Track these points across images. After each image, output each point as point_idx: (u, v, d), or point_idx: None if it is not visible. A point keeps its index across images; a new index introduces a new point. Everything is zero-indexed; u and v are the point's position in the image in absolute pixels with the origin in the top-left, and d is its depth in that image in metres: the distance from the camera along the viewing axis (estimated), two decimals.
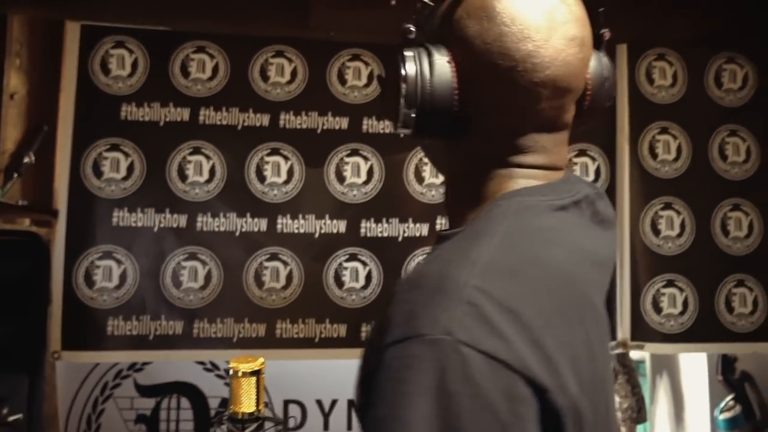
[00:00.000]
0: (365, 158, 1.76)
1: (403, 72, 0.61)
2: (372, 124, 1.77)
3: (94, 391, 2.11)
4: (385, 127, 1.76)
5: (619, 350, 1.80)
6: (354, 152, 1.76)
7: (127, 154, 1.69)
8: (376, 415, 0.49)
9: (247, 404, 0.85)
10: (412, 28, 0.63)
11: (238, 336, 1.69)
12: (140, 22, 1.71)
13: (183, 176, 1.71)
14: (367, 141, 1.76)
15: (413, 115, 0.62)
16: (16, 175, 2.10)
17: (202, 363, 2.21)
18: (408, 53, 0.62)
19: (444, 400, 0.47)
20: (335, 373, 2.10)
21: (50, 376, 1.92)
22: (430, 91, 0.61)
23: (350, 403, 2.19)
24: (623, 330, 1.79)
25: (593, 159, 1.81)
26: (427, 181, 1.78)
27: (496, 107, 0.62)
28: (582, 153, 1.81)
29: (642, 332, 1.80)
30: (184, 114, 1.71)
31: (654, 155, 1.82)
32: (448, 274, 0.52)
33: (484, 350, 0.48)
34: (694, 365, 2.85)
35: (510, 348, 0.49)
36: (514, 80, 0.60)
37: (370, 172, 1.76)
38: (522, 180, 0.63)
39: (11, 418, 1.38)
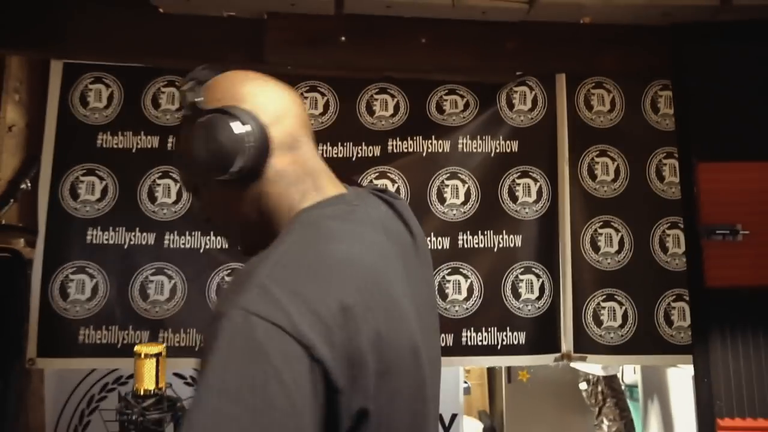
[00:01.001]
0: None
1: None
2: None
3: (80, 403, 2.22)
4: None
5: (564, 362, 1.87)
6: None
7: (102, 178, 1.85)
8: (202, 380, 0.64)
9: (148, 382, 0.97)
10: None
11: (200, 345, 1.81)
12: (117, 60, 1.89)
13: (152, 198, 1.86)
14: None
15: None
16: (12, 200, 2.29)
17: (182, 377, 2.32)
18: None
19: (235, 356, 0.62)
20: None
21: (38, 388, 2.05)
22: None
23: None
24: (566, 342, 1.87)
25: (535, 180, 1.93)
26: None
27: None
28: (525, 174, 1.93)
29: (584, 344, 1.87)
30: (154, 141, 1.87)
31: (593, 176, 1.92)
32: (250, 271, 0.69)
33: (266, 318, 0.63)
34: (685, 390, 2.89)
35: (288, 317, 0.64)
36: None
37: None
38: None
39: None
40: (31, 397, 1.92)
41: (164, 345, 1.04)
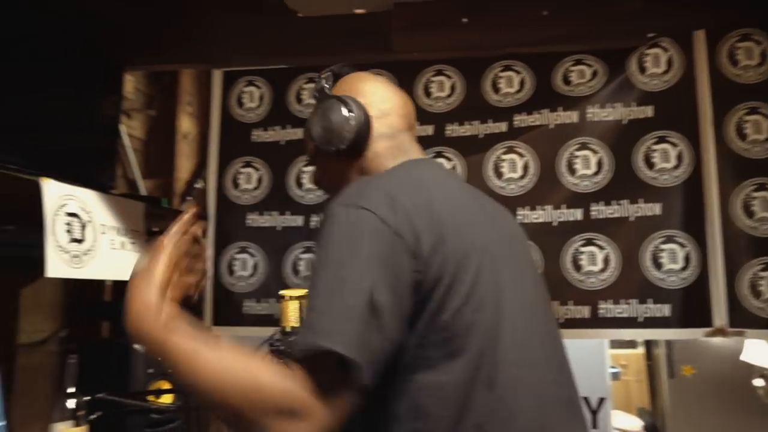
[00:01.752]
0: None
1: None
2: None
3: None
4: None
5: (718, 337, 1.74)
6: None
7: (257, 169, 2.10)
8: (315, 262, 0.85)
9: (293, 320, 1.12)
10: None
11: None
12: (265, 63, 2.14)
13: (299, 184, 2.07)
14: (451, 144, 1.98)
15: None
16: (189, 198, 2.66)
17: None
18: None
19: (341, 238, 0.83)
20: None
21: None
22: None
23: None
24: (720, 316, 1.74)
25: (674, 145, 1.82)
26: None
27: None
28: (662, 140, 1.83)
29: (742, 318, 1.73)
30: (299, 133, 2.08)
31: (743, 136, 1.77)
32: (350, 188, 0.92)
33: (360, 206, 0.84)
34: None
35: (375, 205, 0.84)
36: None
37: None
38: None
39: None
40: None
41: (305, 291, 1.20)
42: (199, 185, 2.61)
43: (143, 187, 2.42)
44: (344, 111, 1.01)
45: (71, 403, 1.58)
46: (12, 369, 1.79)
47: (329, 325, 0.76)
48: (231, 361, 0.78)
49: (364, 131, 1.02)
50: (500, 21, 1.86)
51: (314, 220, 2.05)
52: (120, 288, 2.07)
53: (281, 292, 1.13)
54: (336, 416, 0.75)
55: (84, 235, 1.49)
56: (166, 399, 1.77)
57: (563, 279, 1.83)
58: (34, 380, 1.88)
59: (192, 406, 1.47)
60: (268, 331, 2.12)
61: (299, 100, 2.11)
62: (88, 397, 1.30)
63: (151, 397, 1.64)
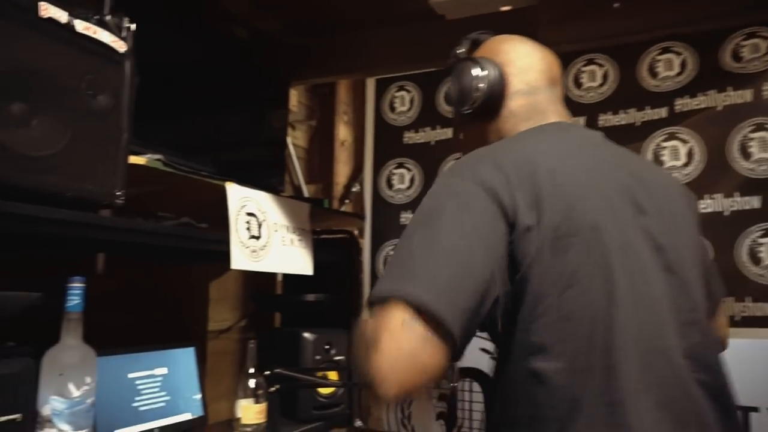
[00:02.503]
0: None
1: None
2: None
3: None
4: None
5: None
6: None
7: (409, 169, 2.20)
8: (414, 216, 0.88)
9: None
10: None
11: None
12: (414, 68, 2.23)
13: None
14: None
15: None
16: (347, 200, 2.84)
17: (488, 352, 2.53)
18: None
19: (432, 196, 0.87)
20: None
21: None
22: None
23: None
24: None
25: None
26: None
27: None
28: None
29: None
30: (448, 132, 2.15)
31: None
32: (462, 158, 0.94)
33: (461, 175, 0.86)
34: None
35: (477, 174, 0.84)
36: None
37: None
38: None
39: (336, 358, 1.94)
40: None
41: None
42: (355, 189, 2.78)
43: (306, 191, 2.64)
44: (474, 70, 1.01)
45: (252, 383, 1.78)
46: (203, 353, 2.05)
47: (411, 273, 0.78)
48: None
49: (497, 89, 1.01)
50: (656, 1, 1.77)
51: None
52: (288, 283, 2.29)
53: None
54: (409, 359, 0.75)
55: (260, 232, 1.67)
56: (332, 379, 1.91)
57: (738, 273, 1.68)
58: (221, 363, 2.13)
59: (356, 383, 1.58)
60: None
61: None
62: (268, 372, 1.46)
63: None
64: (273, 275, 2.36)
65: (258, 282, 2.30)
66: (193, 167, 1.47)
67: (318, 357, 1.90)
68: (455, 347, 0.77)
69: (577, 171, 0.90)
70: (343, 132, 2.88)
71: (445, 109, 2.17)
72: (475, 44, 1.12)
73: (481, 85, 1.00)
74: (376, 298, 0.79)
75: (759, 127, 1.71)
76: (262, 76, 1.96)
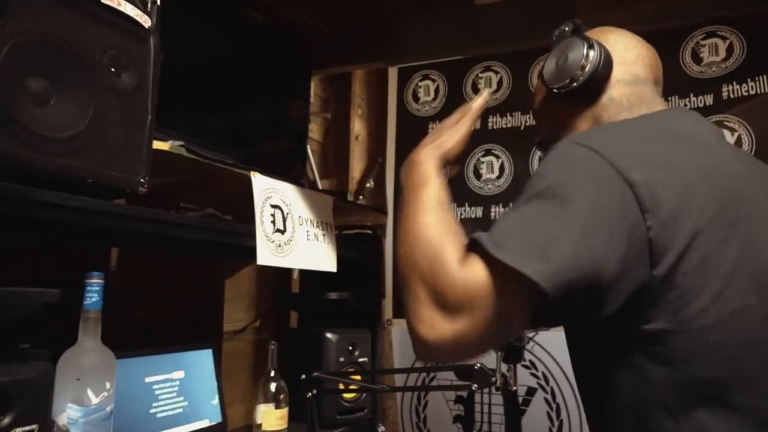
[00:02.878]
0: None
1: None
2: None
3: (420, 374, 2.53)
4: None
5: None
6: None
7: None
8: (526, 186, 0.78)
9: None
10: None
11: None
12: (439, 56, 2.13)
13: (478, 174, 2.03)
14: None
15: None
16: (361, 197, 2.74)
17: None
18: None
19: (552, 167, 0.76)
20: None
21: (388, 338, 2.38)
22: None
23: None
24: None
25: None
26: None
27: None
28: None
29: None
30: (476, 123, 2.04)
31: None
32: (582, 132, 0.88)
33: (588, 145, 0.75)
34: None
35: (607, 148, 0.74)
36: None
37: None
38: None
39: (360, 360, 1.84)
40: (385, 345, 2.25)
41: None
42: (369, 185, 2.68)
43: (320, 186, 2.54)
44: (584, 47, 0.93)
45: (273, 386, 1.68)
46: (218, 354, 1.95)
47: (538, 252, 0.68)
48: (436, 230, 0.77)
49: (603, 71, 0.92)
50: None
51: (494, 211, 1.99)
52: (307, 281, 2.18)
53: None
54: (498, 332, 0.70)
55: (285, 226, 1.57)
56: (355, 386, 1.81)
57: None
58: (236, 365, 2.03)
59: (379, 389, 1.48)
60: None
61: (476, 89, 2.07)
62: (303, 376, 1.35)
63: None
64: (289, 272, 2.25)
65: (274, 279, 2.20)
66: (214, 156, 1.36)
67: (341, 359, 1.80)
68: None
69: (726, 158, 0.82)
70: (357, 126, 2.78)
71: (472, 97, 2.07)
72: (577, 30, 1.04)
73: (587, 63, 0.92)
74: (493, 257, 0.69)
75: None
76: (285, 63, 1.86)
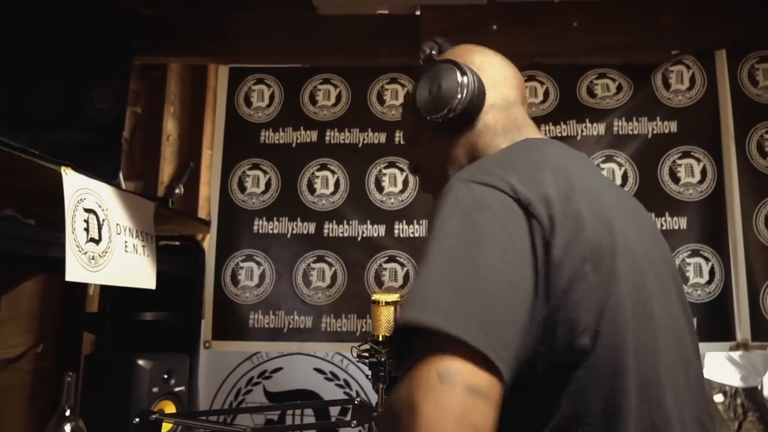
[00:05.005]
0: None
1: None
2: None
3: (228, 396, 2.34)
4: None
5: (740, 351, 1.76)
6: None
7: (265, 172, 1.97)
8: (428, 238, 0.72)
9: (386, 329, 1.00)
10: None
11: (361, 330, 1.86)
12: (277, 61, 2.02)
13: (312, 189, 1.95)
14: None
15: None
16: (171, 202, 2.46)
17: (322, 372, 2.39)
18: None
19: (458, 210, 0.71)
20: None
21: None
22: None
23: None
24: (742, 330, 1.76)
25: (698, 160, 1.85)
26: None
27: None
28: (686, 154, 1.85)
29: (764, 332, 1.75)
30: (313, 136, 1.97)
31: (764, 154, 1.82)
32: (468, 168, 0.80)
33: (486, 183, 0.72)
34: None
35: (505, 182, 0.72)
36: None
37: None
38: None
39: (176, 389, 1.62)
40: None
41: (399, 295, 1.08)
42: (179, 191, 2.44)
43: (125, 188, 2.22)
44: (457, 74, 0.90)
45: (68, 429, 1.38)
46: None
47: (444, 304, 0.62)
48: None
49: (477, 99, 0.90)
50: (530, 29, 1.84)
51: (327, 227, 1.93)
52: (109, 298, 1.87)
53: (374, 297, 1.01)
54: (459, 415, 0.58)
55: (101, 235, 1.31)
56: (166, 426, 1.58)
57: None
58: (8, 403, 1.65)
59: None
60: (277, 347, 1.98)
61: (313, 101, 2.00)
62: (137, 419, 1.11)
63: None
64: (83, 287, 1.91)
65: (63, 296, 1.84)
66: (12, 144, 1.08)
67: (155, 389, 1.56)
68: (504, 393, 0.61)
69: (600, 188, 0.82)
70: (170, 125, 2.51)
71: (310, 109, 1.99)
72: (440, 49, 1.01)
73: (463, 92, 0.89)
74: (402, 333, 0.62)
75: (608, 158, 1.88)
76: (103, 43, 1.58)
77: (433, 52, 0.99)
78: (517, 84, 0.98)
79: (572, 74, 1.93)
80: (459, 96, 0.89)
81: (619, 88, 1.91)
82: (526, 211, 0.70)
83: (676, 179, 1.84)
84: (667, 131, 1.87)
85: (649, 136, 1.87)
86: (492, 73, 0.95)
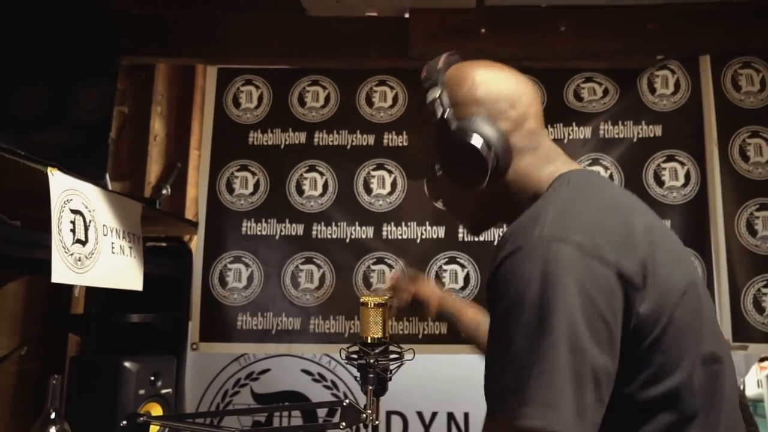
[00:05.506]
0: None
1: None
2: None
3: (215, 398, 2.33)
4: None
5: None
6: None
7: (254, 173, 1.96)
8: (502, 301, 0.68)
9: (375, 331, 1.00)
10: None
11: (349, 332, 1.86)
12: (266, 63, 2.01)
13: (300, 191, 1.95)
14: None
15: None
16: (157, 203, 2.45)
17: (310, 374, 2.39)
18: None
19: (542, 279, 0.66)
20: (436, 387, 2.21)
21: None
22: None
23: (450, 416, 2.27)
24: (724, 331, 1.78)
25: (682, 164, 1.88)
26: None
27: None
28: (671, 158, 1.88)
29: (745, 333, 1.78)
30: (301, 137, 1.97)
31: (746, 158, 1.85)
32: (532, 216, 0.75)
33: (568, 241, 0.68)
34: None
35: (588, 239, 0.69)
36: None
37: None
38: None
39: (163, 391, 1.61)
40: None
41: (389, 296, 1.09)
42: (166, 191, 2.42)
43: (111, 189, 2.20)
44: (479, 146, 0.81)
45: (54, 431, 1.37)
46: None
47: (542, 397, 0.61)
48: None
49: (505, 157, 0.83)
50: (518, 33, 1.85)
51: (315, 229, 1.93)
52: (95, 300, 1.85)
53: (362, 299, 1.01)
54: None
55: (87, 236, 1.30)
56: (153, 428, 1.57)
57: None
58: None
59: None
60: (265, 348, 1.98)
61: (302, 102, 2.00)
62: (124, 422, 1.11)
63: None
64: (69, 289, 1.89)
65: (48, 297, 1.82)
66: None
67: (142, 391, 1.55)
68: None
69: (657, 224, 0.80)
70: (157, 125, 2.50)
71: (299, 111, 1.99)
72: (434, 83, 0.89)
73: (487, 162, 0.82)
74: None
75: (594, 162, 1.90)
76: (91, 41, 1.57)
77: (434, 97, 0.87)
78: (537, 110, 0.89)
79: (559, 78, 1.95)
80: (487, 170, 0.83)
81: (606, 92, 1.93)
82: (613, 271, 0.68)
83: (660, 182, 1.87)
84: (652, 135, 1.89)
85: (635, 139, 1.90)
86: (511, 110, 0.85)
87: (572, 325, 0.63)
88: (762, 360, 3.56)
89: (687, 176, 1.87)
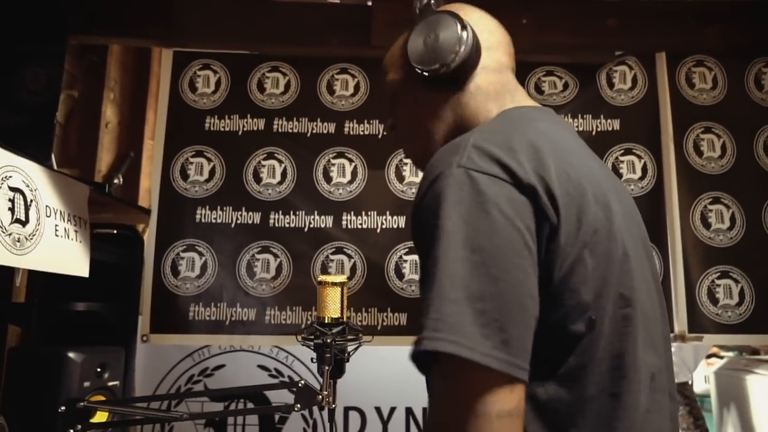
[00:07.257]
0: None
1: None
2: None
3: (168, 393, 2.25)
4: None
5: (678, 343, 1.81)
6: None
7: (209, 160, 1.90)
8: (423, 233, 0.68)
9: (332, 310, 0.97)
10: None
11: (306, 323, 1.82)
12: (224, 47, 1.96)
13: (258, 178, 1.90)
14: None
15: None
16: (108, 192, 2.36)
17: (267, 369, 2.33)
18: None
19: (465, 208, 0.66)
20: (394, 381, 2.18)
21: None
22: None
23: (408, 410, 2.25)
24: (680, 322, 1.81)
25: (639, 157, 1.91)
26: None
27: None
28: (628, 151, 1.91)
29: (700, 324, 1.82)
30: (260, 124, 1.92)
31: (699, 153, 1.89)
32: (455, 143, 0.73)
33: (486, 171, 0.67)
34: (764, 396, 2.75)
35: (506, 171, 0.68)
36: None
37: None
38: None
39: (110, 384, 1.53)
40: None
41: (345, 277, 1.05)
42: (118, 181, 2.33)
43: None
44: (457, 27, 0.83)
45: None
46: None
47: (468, 328, 0.61)
48: None
49: (473, 56, 0.84)
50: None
51: (273, 218, 1.88)
52: (38, 288, 1.76)
53: (320, 278, 0.97)
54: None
55: (28, 216, 1.23)
56: (101, 416, 1.50)
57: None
58: None
59: (176, 417, 1.22)
60: (218, 340, 1.91)
61: (261, 88, 1.95)
62: (63, 407, 1.04)
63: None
64: (10, 275, 1.79)
65: None
66: None
67: (87, 383, 1.47)
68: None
69: (594, 165, 0.80)
70: (109, 112, 2.41)
71: (258, 97, 1.94)
72: (437, 3, 0.92)
73: (461, 46, 0.83)
74: (425, 355, 0.62)
75: None
76: (35, 19, 1.49)
77: (432, 1, 0.90)
78: (510, 52, 0.93)
79: (521, 71, 1.94)
80: (457, 49, 0.83)
81: (566, 86, 1.95)
82: (531, 200, 0.67)
83: (618, 175, 1.89)
84: (610, 129, 1.92)
85: (594, 133, 1.92)
86: (488, 35, 0.89)
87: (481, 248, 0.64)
88: (709, 356, 3.66)
89: (644, 169, 1.90)
